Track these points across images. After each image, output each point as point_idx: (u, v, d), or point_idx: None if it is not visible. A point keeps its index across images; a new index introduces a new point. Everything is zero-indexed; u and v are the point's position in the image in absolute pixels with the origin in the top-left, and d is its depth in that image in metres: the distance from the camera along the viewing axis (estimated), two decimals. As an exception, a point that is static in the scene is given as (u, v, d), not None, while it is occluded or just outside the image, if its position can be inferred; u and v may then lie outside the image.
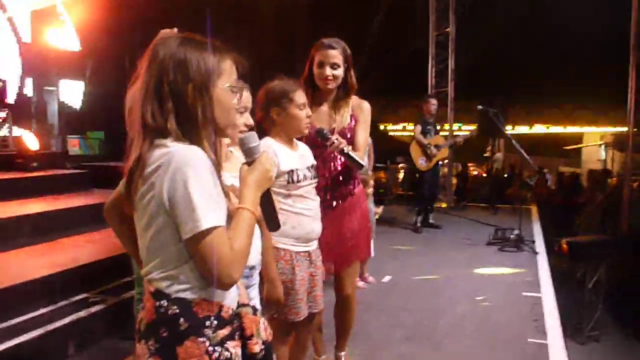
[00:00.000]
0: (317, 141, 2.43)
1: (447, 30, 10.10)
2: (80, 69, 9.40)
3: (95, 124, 11.34)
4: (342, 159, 2.53)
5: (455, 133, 10.21)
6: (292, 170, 2.18)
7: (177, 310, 1.19)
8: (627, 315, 6.25)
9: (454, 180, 11.63)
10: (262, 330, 1.35)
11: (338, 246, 2.63)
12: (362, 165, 2.41)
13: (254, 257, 1.92)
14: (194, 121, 1.22)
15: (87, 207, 4.89)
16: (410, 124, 18.47)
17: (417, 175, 7.57)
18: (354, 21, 10.89)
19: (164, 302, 1.19)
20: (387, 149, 11.66)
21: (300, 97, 2.24)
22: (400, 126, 19.66)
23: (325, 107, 2.65)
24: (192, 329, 1.19)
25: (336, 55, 2.55)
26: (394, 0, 11.06)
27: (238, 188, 1.31)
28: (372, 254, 4.68)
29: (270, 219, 1.41)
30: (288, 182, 2.18)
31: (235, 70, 1.30)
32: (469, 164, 14.95)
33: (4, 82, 7.59)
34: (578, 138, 20.58)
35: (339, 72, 2.56)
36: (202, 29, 1.31)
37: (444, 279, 5.01)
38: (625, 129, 10.15)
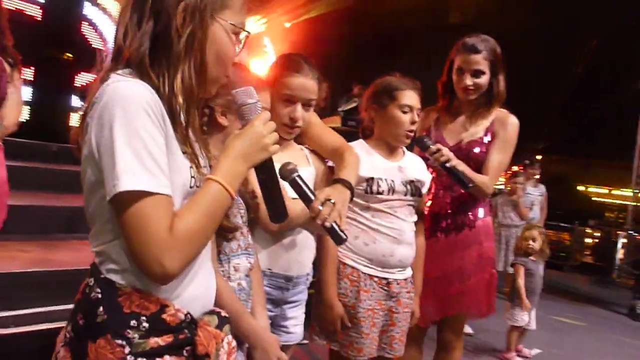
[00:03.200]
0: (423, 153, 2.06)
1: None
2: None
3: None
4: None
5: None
6: (371, 178, 1.84)
7: (100, 295, 0.90)
8: None
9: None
10: (223, 352, 0.96)
11: (440, 287, 2.17)
12: (467, 186, 1.95)
13: (297, 268, 1.63)
14: (171, 53, 0.93)
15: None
16: (615, 188, 15.95)
17: None
18: (551, 69, 9.86)
19: (91, 281, 0.92)
20: (577, 209, 10.19)
21: (407, 98, 1.89)
22: (605, 190, 17.05)
23: (462, 118, 2.25)
24: (110, 325, 0.88)
25: (480, 60, 2.12)
26: (600, 46, 9.70)
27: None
28: (533, 325, 3.93)
29: (272, 205, 1.07)
30: (366, 192, 1.85)
31: (245, 13, 1.02)
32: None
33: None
34: None
35: (483, 80, 2.13)
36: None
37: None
38: None
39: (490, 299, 2.27)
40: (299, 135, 1.69)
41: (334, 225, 1.29)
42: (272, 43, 9.60)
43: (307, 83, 1.59)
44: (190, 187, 0.94)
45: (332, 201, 1.33)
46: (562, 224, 9.01)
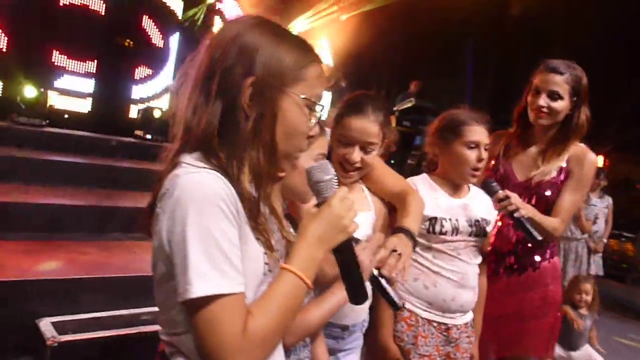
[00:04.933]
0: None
1: None
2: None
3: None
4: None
5: None
6: (434, 218, 1.74)
7: None
8: None
9: None
10: None
11: (498, 326, 2.05)
12: (535, 238, 1.77)
13: (353, 317, 1.56)
14: (239, 136, 0.87)
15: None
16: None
17: None
18: (620, 63, 9.25)
19: None
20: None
21: (474, 133, 1.75)
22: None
23: (534, 149, 2.08)
24: None
25: (559, 82, 1.94)
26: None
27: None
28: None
29: (351, 287, 0.96)
30: (428, 231, 1.75)
31: (322, 84, 0.94)
32: None
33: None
34: None
35: (559, 104, 1.95)
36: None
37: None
38: None
39: (551, 343, 2.16)
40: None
41: (390, 291, 1.16)
42: (327, 36, 9.45)
43: (366, 125, 1.52)
44: (264, 274, 0.90)
45: (398, 252, 1.25)
46: (625, 233, 8.48)
